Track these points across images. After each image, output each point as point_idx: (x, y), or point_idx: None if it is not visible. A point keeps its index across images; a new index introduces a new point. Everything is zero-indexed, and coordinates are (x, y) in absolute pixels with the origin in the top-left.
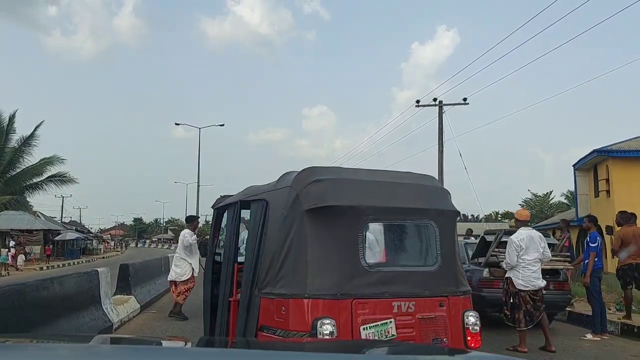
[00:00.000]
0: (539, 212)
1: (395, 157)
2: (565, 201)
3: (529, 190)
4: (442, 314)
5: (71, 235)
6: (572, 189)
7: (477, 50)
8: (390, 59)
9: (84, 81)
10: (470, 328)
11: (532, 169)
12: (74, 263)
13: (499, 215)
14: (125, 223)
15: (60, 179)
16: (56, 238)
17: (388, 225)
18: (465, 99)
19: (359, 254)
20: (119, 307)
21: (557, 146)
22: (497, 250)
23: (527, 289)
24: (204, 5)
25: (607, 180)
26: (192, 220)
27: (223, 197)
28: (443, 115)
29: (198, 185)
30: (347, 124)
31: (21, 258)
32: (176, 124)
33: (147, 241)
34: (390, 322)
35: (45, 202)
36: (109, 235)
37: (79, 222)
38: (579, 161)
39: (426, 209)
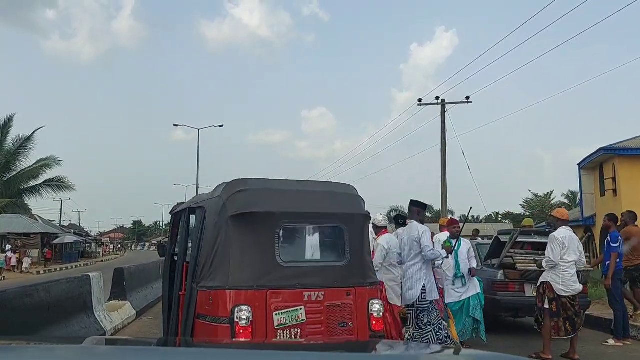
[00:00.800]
0: (539, 212)
1: (395, 158)
2: (566, 201)
3: (529, 190)
4: (349, 302)
5: (69, 238)
6: (573, 189)
7: (477, 51)
8: (390, 60)
9: (83, 84)
10: (375, 314)
11: (532, 169)
12: (72, 267)
13: (499, 216)
14: (124, 226)
15: (58, 184)
16: (54, 241)
17: (302, 227)
18: (468, 97)
19: (275, 252)
20: (113, 314)
21: (556, 146)
22: (512, 250)
23: (568, 294)
24: (203, 8)
25: (614, 179)
26: None
27: (179, 204)
28: (445, 114)
29: (197, 187)
30: (346, 125)
31: (27, 261)
32: (175, 125)
33: (147, 244)
34: (301, 309)
35: (44, 206)
36: (108, 239)
37: (78, 225)
38: (584, 160)
39: (336, 214)
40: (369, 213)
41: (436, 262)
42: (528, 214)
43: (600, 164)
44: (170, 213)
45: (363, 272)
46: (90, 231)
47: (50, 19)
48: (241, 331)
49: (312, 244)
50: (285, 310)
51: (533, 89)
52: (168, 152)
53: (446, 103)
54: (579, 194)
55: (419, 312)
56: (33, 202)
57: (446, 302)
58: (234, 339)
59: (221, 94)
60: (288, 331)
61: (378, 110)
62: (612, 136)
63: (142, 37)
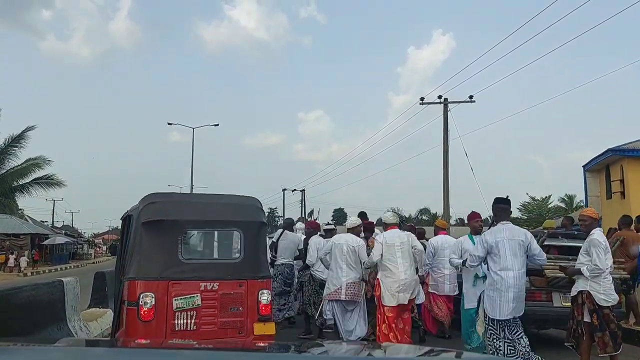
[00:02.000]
0: (537, 216)
1: (394, 160)
2: (563, 205)
3: (527, 194)
4: (240, 291)
5: (60, 239)
6: (570, 193)
7: (474, 53)
8: (386, 63)
9: (79, 85)
10: (263, 301)
11: (529, 173)
12: (61, 268)
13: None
14: (119, 227)
15: (47, 181)
16: (44, 242)
17: (204, 232)
18: (471, 97)
19: (178, 251)
20: (91, 324)
21: (553, 149)
22: None
23: (609, 304)
24: (200, 10)
25: (622, 181)
26: None
27: (129, 211)
28: (448, 113)
29: (191, 188)
30: (343, 128)
31: (24, 260)
32: (169, 123)
33: None
34: (197, 296)
35: (36, 206)
36: (101, 240)
37: (71, 226)
38: (589, 162)
39: (233, 221)
40: (265, 221)
41: (454, 262)
42: (525, 217)
43: (606, 165)
44: (120, 219)
45: (256, 268)
46: (84, 232)
47: (47, 20)
48: (145, 312)
49: (211, 244)
50: (183, 297)
51: (533, 92)
52: (164, 153)
53: (449, 102)
54: (584, 197)
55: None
56: (25, 203)
57: (466, 307)
58: (140, 319)
59: (218, 96)
60: (185, 313)
61: (375, 114)
62: (611, 140)
63: (139, 39)
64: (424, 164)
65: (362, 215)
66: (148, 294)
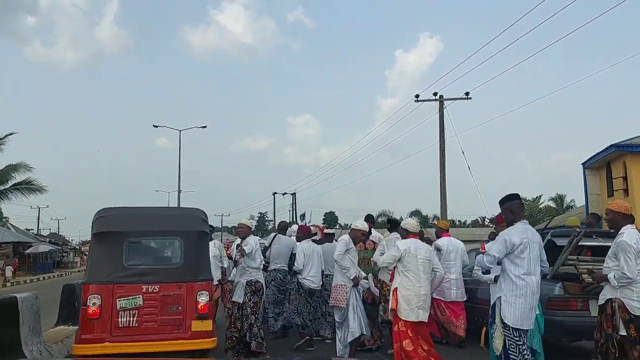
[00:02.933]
0: (528, 216)
1: (384, 162)
2: (554, 205)
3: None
4: (180, 293)
5: (44, 247)
6: (561, 192)
7: (465, 53)
8: (374, 67)
9: (65, 90)
10: (201, 302)
11: (520, 173)
12: (44, 278)
13: (487, 220)
14: None
15: (28, 187)
16: (27, 251)
17: (147, 240)
18: (467, 93)
19: (122, 258)
20: (55, 346)
21: (544, 149)
22: (573, 257)
23: None
24: (187, 15)
25: (625, 178)
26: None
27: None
28: (444, 110)
29: (179, 192)
30: (331, 132)
31: (9, 270)
32: (154, 126)
33: None
34: (139, 297)
35: (20, 214)
36: (87, 248)
37: (57, 233)
38: (589, 159)
39: (172, 230)
40: (207, 231)
41: (482, 277)
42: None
43: (607, 162)
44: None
45: (195, 272)
46: (72, 240)
47: (32, 26)
48: (92, 312)
49: (155, 252)
50: (126, 298)
51: (526, 90)
52: (152, 158)
53: (445, 99)
54: (584, 196)
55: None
56: (9, 211)
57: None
58: (87, 318)
59: (206, 101)
60: (128, 312)
61: (363, 117)
62: (603, 138)
63: (125, 44)
64: (414, 166)
65: (369, 218)
66: (95, 295)
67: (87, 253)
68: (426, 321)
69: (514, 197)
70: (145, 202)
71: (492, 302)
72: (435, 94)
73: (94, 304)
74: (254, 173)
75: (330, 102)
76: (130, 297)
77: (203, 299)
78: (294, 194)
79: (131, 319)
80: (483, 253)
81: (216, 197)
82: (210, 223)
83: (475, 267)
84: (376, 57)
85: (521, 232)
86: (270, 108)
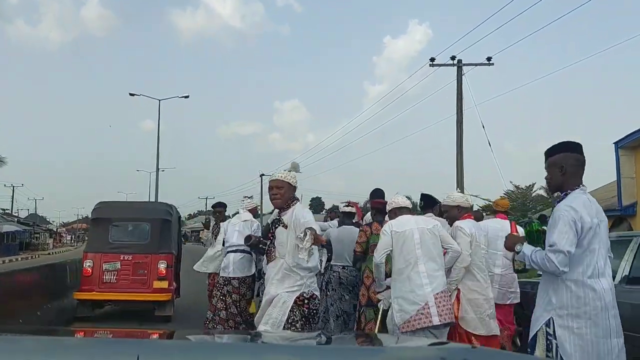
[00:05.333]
0: (521, 204)
1: (372, 147)
2: (545, 194)
3: (511, 182)
4: (146, 261)
5: (9, 227)
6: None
7: (449, 42)
8: (363, 53)
9: (47, 69)
10: (160, 268)
11: (512, 161)
12: (3, 262)
13: (480, 208)
14: (89, 216)
15: None
16: None
17: (125, 224)
18: (489, 59)
19: (108, 236)
20: None
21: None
22: None
23: None
24: None
25: None
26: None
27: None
28: (463, 77)
29: (157, 170)
30: (319, 117)
31: None
32: (131, 94)
33: None
34: (118, 263)
35: None
36: (64, 230)
37: (36, 214)
38: (625, 137)
39: (143, 217)
40: (169, 218)
41: None
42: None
43: None
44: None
45: (157, 247)
46: (53, 221)
47: (15, 5)
48: (86, 270)
49: (130, 232)
50: (109, 263)
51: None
52: (135, 140)
53: (464, 64)
54: (616, 179)
55: None
56: None
57: None
58: (84, 275)
59: (192, 84)
60: (110, 273)
61: (350, 103)
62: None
63: (112, 26)
64: (403, 149)
65: (378, 193)
66: (89, 260)
67: (63, 235)
68: (498, 334)
69: (574, 147)
70: (127, 182)
71: (533, 330)
72: (453, 57)
73: (88, 265)
74: (240, 156)
75: (317, 88)
76: (112, 262)
77: (162, 266)
78: None
79: (112, 277)
80: (518, 242)
81: (200, 180)
82: (180, 212)
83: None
84: (365, 43)
85: (587, 207)
86: (257, 93)
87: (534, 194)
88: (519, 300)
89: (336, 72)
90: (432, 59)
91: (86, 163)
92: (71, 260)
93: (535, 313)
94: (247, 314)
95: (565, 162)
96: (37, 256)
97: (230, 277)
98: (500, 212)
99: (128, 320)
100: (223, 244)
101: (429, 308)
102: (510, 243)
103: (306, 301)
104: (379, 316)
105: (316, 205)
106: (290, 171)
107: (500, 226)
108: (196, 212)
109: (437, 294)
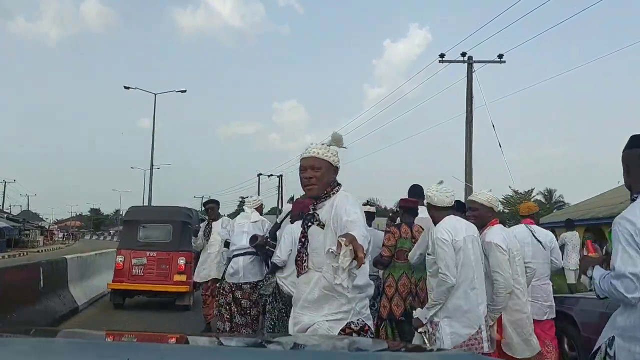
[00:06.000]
0: (514, 212)
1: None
2: (543, 200)
3: (509, 187)
4: (168, 257)
5: None
6: (552, 187)
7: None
8: (362, 55)
9: (46, 66)
10: (180, 264)
11: (512, 164)
12: None
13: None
14: (83, 214)
15: None
16: None
17: (151, 226)
18: (501, 56)
19: (137, 236)
20: None
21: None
22: None
23: None
24: None
25: None
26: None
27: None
28: (473, 74)
29: (152, 165)
30: (317, 118)
31: None
32: (125, 87)
33: (105, 233)
34: (144, 258)
35: None
36: (56, 227)
37: (29, 211)
38: None
39: (166, 220)
40: (188, 221)
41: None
42: (507, 211)
43: None
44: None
45: (177, 246)
46: (46, 218)
47: (15, 1)
48: (118, 264)
49: (155, 233)
50: (137, 258)
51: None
52: (130, 136)
53: (474, 62)
54: None
55: None
56: None
57: None
58: (116, 268)
59: (191, 83)
60: (138, 267)
61: (350, 105)
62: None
63: (111, 23)
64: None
65: (415, 190)
66: (121, 256)
67: (55, 232)
68: (539, 349)
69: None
70: (122, 179)
71: (595, 348)
72: (463, 54)
73: (120, 260)
74: (237, 156)
75: (317, 89)
76: (140, 258)
77: (182, 262)
78: (280, 176)
79: (139, 270)
80: (590, 264)
81: (196, 180)
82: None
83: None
84: (365, 45)
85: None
86: (257, 93)
87: (532, 200)
88: (554, 316)
89: (336, 73)
90: (442, 55)
91: (81, 160)
92: (47, 261)
93: (603, 331)
94: (257, 324)
95: (629, 161)
96: (24, 254)
97: (241, 283)
98: (526, 216)
99: (154, 309)
100: (226, 245)
101: (481, 332)
102: (584, 266)
103: (354, 334)
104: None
105: None
106: (330, 145)
107: (527, 232)
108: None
109: (485, 316)
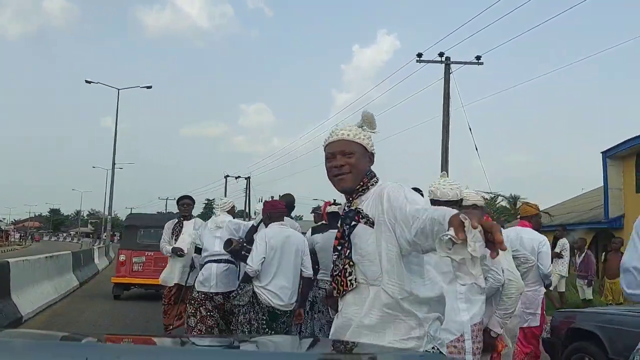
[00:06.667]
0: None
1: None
2: (507, 206)
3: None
4: (163, 256)
5: None
6: (516, 193)
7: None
8: (331, 60)
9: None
10: None
11: (478, 169)
12: None
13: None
14: (42, 214)
15: None
16: None
17: (150, 229)
18: (478, 57)
19: (137, 238)
20: None
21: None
22: None
23: None
24: None
25: None
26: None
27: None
28: (450, 76)
29: (113, 163)
30: (285, 122)
31: None
32: (87, 81)
33: (65, 234)
34: (144, 257)
35: None
36: (12, 227)
37: None
38: (614, 147)
39: (162, 225)
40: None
41: None
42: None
43: (636, 152)
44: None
45: None
46: (3, 218)
47: None
48: (120, 262)
49: (152, 235)
50: (137, 257)
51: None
52: (93, 135)
53: (452, 62)
54: (603, 189)
55: None
56: None
57: None
58: (119, 265)
59: (156, 82)
60: (138, 264)
61: (317, 109)
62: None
63: (75, 20)
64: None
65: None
66: (123, 255)
67: (10, 233)
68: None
69: None
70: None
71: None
72: (441, 54)
73: (122, 258)
74: (203, 157)
75: (284, 92)
76: (139, 257)
77: None
78: (248, 178)
79: (139, 267)
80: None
81: (160, 181)
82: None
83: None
84: (334, 50)
85: None
86: (223, 94)
87: (497, 205)
88: (537, 324)
89: (304, 77)
90: (420, 55)
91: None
92: None
93: None
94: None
95: None
96: None
97: (212, 293)
98: (523, 218)
99: (152, 300)
100: (197, 251)
101: (463, 342)
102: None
103: None
104: None
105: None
106: (362, 127)
107: (516, 236)
108: (156, 213)
109: (475, 324)
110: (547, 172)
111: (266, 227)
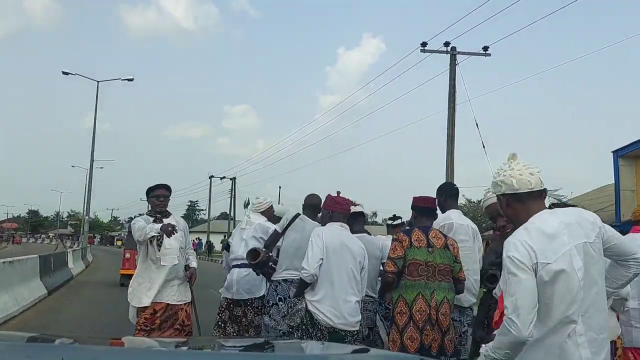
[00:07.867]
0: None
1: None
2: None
3: (463, 195)
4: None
5: None
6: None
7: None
8: (316, 62)
9: None
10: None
11: (467, 171)
12: None
13: None
14: (21, 215)
15: None
16: None
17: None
18: (486, 48)
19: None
20: None
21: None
22: None
23: None
24: None
25: None
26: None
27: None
28: (457, 67)
29: (92, 160)
30: (269, 124)
31: None
32: (64, 72)
33: (43, 236)
34: None
35: None
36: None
37: None
38: (627, 146)
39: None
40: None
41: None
42: None
43: None
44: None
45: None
46: None
47: None
48: (125, 259)
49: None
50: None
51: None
52: (71, 134)
53: (458, 53)
54: (614, 190)
55: None
56: None
57: None
58: (124, 260)
59: (139, 82)
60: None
61: (302, 112)
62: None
63: (57, 18)
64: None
65: (447, 189)
66: (128, 253)
67: None
68: None
69: None
70: (61, 179)
71: None
72: (446, 43)
73: (127, 256)
74: (186, 157)
75: (269, 94)
76: None
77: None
78: (233, 179)
79: None
80: None
81: (141, 181)
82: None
83: None
84: (319, 53)
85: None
86: (207, 94)
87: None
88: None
89: (289, 79)
90: (424, 44)
91: (18, 158)
92: None
93: None
94: None
95: None
96: None
97: (232, 300)
98: (635, 223)
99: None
100: (226, 248)
101: None
102: None
103: None
104: None
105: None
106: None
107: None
108: (137, 214)
109: None
110: (547, 172)
111: (324, 226)
